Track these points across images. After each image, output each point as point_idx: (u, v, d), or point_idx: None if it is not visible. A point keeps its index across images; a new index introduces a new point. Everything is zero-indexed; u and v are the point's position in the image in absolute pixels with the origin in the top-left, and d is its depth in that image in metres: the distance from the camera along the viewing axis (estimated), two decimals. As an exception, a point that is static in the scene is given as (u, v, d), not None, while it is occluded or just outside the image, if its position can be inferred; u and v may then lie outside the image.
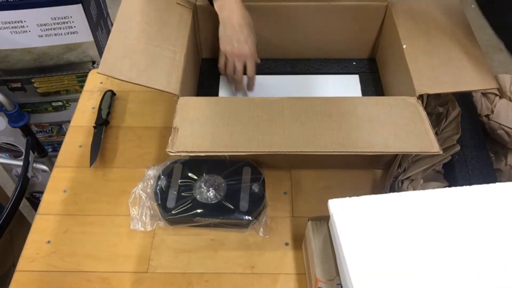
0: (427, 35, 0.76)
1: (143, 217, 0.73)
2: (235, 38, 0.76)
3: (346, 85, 0.91)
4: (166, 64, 0.70)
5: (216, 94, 0.89)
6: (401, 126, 0.64)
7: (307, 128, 0.64)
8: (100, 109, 0.87)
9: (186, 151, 0.62)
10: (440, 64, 0.71)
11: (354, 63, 0.94)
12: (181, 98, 0.68)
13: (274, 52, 0.93)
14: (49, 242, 0.72)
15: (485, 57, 0.71)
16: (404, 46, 0.75)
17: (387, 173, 0.78)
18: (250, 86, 0.84)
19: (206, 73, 0.92)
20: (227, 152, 0.62)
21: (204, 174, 0.74)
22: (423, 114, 0.66)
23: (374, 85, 0.90)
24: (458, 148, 0.74)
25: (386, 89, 0.88)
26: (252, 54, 0.78)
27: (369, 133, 0.63)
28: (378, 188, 0.78)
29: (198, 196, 0.71)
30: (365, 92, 0.89)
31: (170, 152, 0.61)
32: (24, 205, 1.37)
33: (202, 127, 0.64)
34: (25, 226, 1.16)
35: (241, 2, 0.76)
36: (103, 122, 0.85)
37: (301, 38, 0.90)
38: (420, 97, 0.68)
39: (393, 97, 0.69)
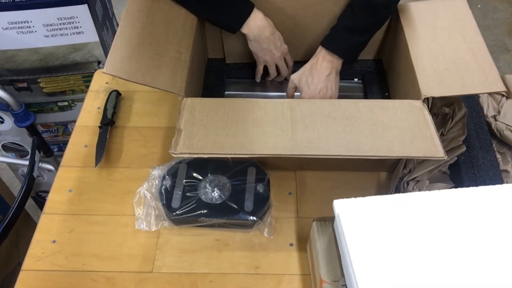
0: (433, 36, 0.75)
1: (148, 217, 0.73)
2: (272, 46, 0.84)
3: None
4: (171, 64, 0.70)
5: (222, 94, 0.89)
6: (406, 130, 0.64)
7: (311, 131, 0.63)
8: (105, 109, 0.88)
9: (188, 153, 0.61)
10: (446, 67, 0.70)
11: (359, 63, 0.94)
12: (185, 99, 0.68)
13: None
14: (54, 241, 0.72)
15: (492, 59, 0.70)
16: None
17: (392, 174, 0.78)
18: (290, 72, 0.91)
19: (211, 73, 0.92)
20: (230, 154, 0.62)
21: (209, 174, 0.74)
22: (429, 118, 0.65)
23: (379, 86, 0.90)
24: (464, 149, 0.73)
25: (392, 90, 0.87)
26: (287, 50, 0.87)
27: (374, 136, 0.63)
28: (383, 189, 0.77)
29: (203, 196, 0.71)
30: (370, 93, 0.89)
31: (173, 153, 0.61)
32: (30, 204, 1.37)
33: (205, 129, 0.64)
34: (31, 225, 1.16)
35: (262, 14, 0.81)
36: (108, 122, 0.86)
37: (308, 39, 0.90)
38: (426, 99, 0.68)
39: (399, 100, 0.69)
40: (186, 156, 0.61)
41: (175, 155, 0.61)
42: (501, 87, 0.67)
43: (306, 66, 0.82)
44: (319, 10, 0.84)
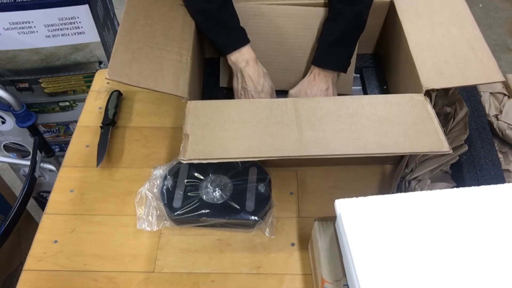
0: (431, 30, 0.75)
1: (149, 217, 0.73)
2: (253, 88, 0.80)
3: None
4: (173, 67, 0.70)
5: (223, 93, 0.89)
6: (410, 125, 0.64)
7: (316, 131, 0.63)
8: (107, 109, 0.88)
9: (198, 159, 0.61)
10: (445, 59, 0.70)
11: (357, 57, 0.94)
12: (190, 103, 0.67)
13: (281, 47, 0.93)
14: (56, 241, 0.72)
15: (490, 51, 0.70)
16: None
17: (395, 169, 0.78)
18: None
19: (210, 72, 0.92)
20: (239, 158, 0.62)
21: (210, 174, 0.74)
22: (432, 112, 0.65)
23: (378, 79, 0.90)
24: (466, 148, 0.73)
25: (391, 83, 0.88)
26: None
27: (379, 133, 0.63)
28: (385, 188, 0.77)
29: (204, 196, 0.71)
30: (369, 86, 0.89)
31: (182, 160, 0.60)
32: (32, 204, 1.38)
33: (212, 133, 0.64)
34: (33, 225, 1.16)
35: (254, 54, 0.80)
36: (109, 122, 0.86)
37: (308, 34, 0.90)
38: (427, 93, 0.68)
39: (401, 95, 0.69)
40: (195, 162, 0.60)
41: (184, 162, 0.60)
42: (500, 78, 0.67)
43: (304, 81, 0.82)
44: (319, 31, 0.84)
